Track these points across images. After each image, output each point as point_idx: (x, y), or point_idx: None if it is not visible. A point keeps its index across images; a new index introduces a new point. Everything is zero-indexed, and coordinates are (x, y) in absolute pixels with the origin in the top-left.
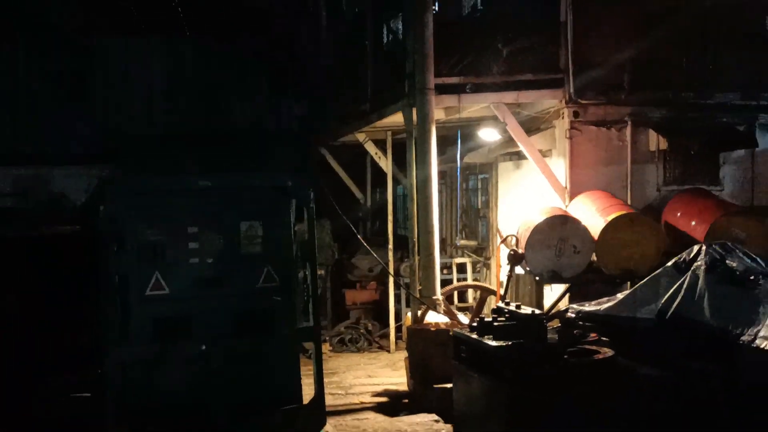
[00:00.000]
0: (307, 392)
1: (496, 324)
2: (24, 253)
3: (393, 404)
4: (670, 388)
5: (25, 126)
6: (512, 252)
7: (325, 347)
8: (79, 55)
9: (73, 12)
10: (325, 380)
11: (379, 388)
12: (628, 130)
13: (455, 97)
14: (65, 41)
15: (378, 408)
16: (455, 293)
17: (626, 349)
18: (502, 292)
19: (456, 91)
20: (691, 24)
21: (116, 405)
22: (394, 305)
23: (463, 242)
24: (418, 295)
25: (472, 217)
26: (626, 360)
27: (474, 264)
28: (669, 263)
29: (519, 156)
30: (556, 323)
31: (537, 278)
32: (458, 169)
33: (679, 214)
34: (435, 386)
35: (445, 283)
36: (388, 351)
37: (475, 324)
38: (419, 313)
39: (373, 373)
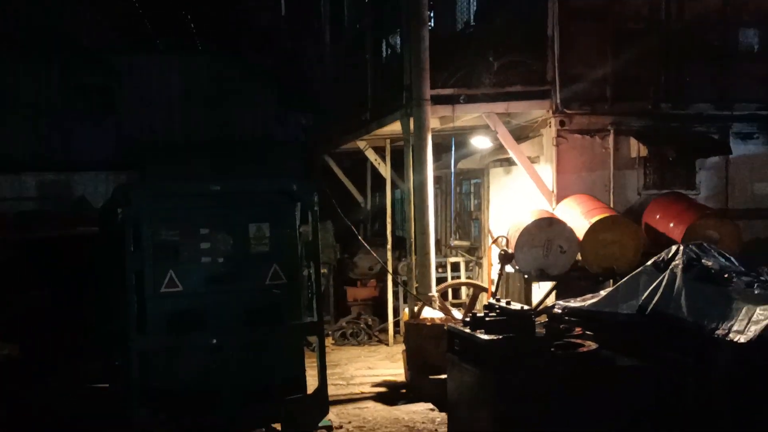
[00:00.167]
0: (311, 383)
1: (487, 319)
2: (53, 251)
3: (391, 394)
4: (648, 378)
5: (54, 135)
6: (503, 252)
7: (328, 341)
8: (105, 71)
9: (100, 34)
10: (328, 372)
11: (379, 379)
12: (610, 138)
13: (449, 108)
14: (93, 60)
15: (377, 397)
16: (449, 290)
17: (609, 342)
18: (493, 289)
19: (450, 102)
20: (668, 40)
21: (137, 390)
22: (393, 301)
23: (456, 243)
24: (415, 292)
25: (466, 219)
26: (609, 352)
27: (467, 263)
28: (649, 262)
29: (509, 162)
30: (543, 318)
31: (526, 276)
32: (452, 175)
33: (658, 216)
34: (430, 377)
35: (440, 280)
36: (387, 344)
37: (468, 319)
38: (416, 308)
39: (373, 365)
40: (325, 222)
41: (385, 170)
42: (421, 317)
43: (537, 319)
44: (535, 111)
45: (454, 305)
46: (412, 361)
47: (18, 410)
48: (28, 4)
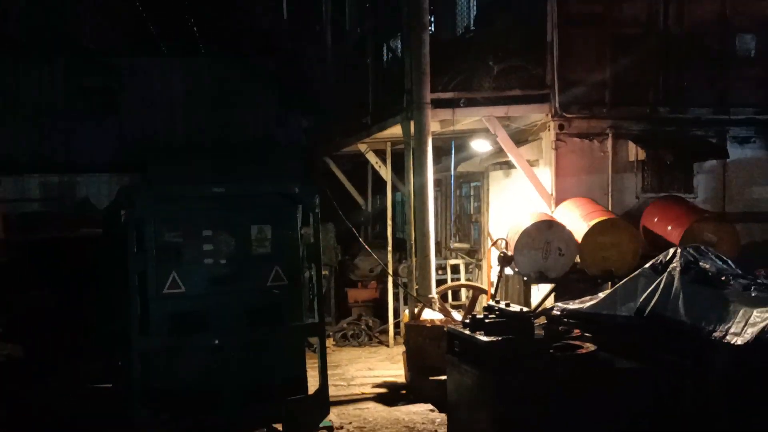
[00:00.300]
0: (312, 383)
1: (487, 321)
2: (56, 253)
3: (392, 395)
4: (646, 380)
5: (57, 136)
6: (502, 254)
7: (329, 342)
8: (107, 73)
9: (103, 36)
10: (329, 372)
11: (379, 380)
12: (609, 142)
13: (450, 111)
14: (95, 61)
15: (378, 398)
16: (449, 292)
17: (607, 344)
18: (492, 291)
19: (450, 106)
20: (666, 45)
21: (139, 391)
22: (393, 303)
23: (456, 245)
24: (415, 294)
25: (465, 222)
26: (607, 354)
27: (467, 265)
28: (647, 265)
29: (508, 165)
30: (542, 320)
31: (525, 278)
32: (452, 178)
33: (656, 219)
34: (430, 378)
35: (440, 282)
36: (387, 346)
37: (467, 321)
38: (416, 310)
39: (374, 366)
40: (327, 224)
41: (385, 173)
42: (421, 319)
43: (536, 321)
44: (535, 115)
45: (453, 307)
46: (412, 362)
47: (19, 410)
48: (31, 5)
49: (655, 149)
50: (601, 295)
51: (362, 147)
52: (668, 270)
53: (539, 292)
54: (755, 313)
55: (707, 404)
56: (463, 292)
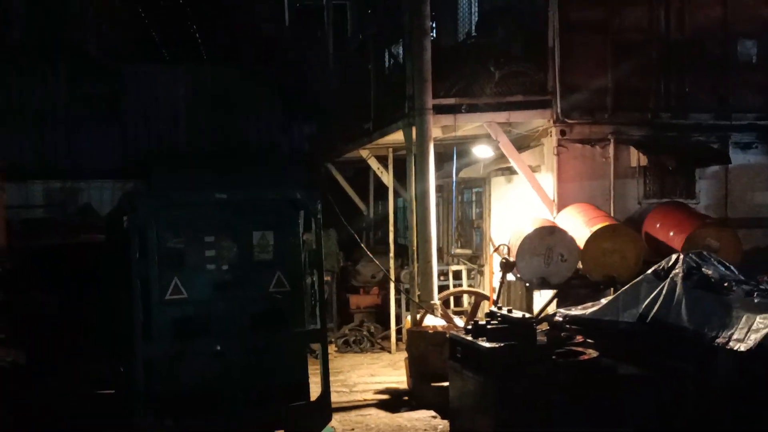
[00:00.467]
0: (314, 390)
1: (489, 327)
2: (61, 258)
3: (394, 401)
4: (648, 386)
5: (60, 143)
6: (504, 260)
7: (331, 348)
8: (111, 80)
9: (106, 43)
10: (331, 379)
11: (381, 386)
12: (611, 148)
13: (451, 117)
14: (99, 68)
15: (380, 405)
16: (451, 298)
17: (609, 350)
18: (494, 297)
19: (452, 112)
20: (668, 50)
21: (143, 395)
22: (395, 309)
23: (458, 251)
24: (417, 300)
25: (467, 228)
26: (609, 360)
27: (469, 271)
28: (649, 271)
29: (510, 171)
30: (544, 326)
31: (527, 284)
32: (454, 183)
33: (658, 225)
34: (433, 384)
35: (442, 288)
36: (390, 352)
37: (469, 327)
38: (418, 316)
39: (376, 373)
40: (329, 230)
41: (387, 179)
42: (423, 325)
43: (538, 327)
44: (536, 120)
45: (456, 313)
46: (414, 368)
47: (22, 414)
48: (35, 12)
49: (657, 155)
50: (604, 301)
51: (364, 153)
52: (671, 276)
53: (541, 298)
54: (758, 319)
55: (710, 411)
56: (465, 298)
